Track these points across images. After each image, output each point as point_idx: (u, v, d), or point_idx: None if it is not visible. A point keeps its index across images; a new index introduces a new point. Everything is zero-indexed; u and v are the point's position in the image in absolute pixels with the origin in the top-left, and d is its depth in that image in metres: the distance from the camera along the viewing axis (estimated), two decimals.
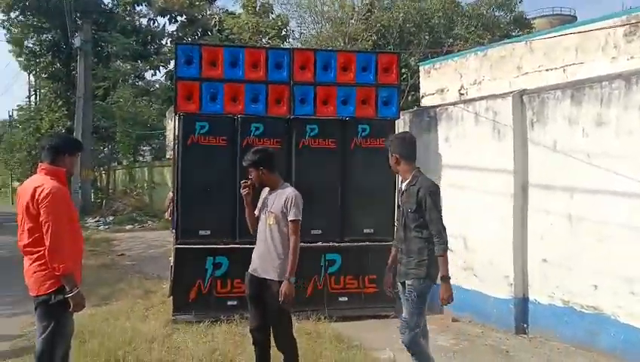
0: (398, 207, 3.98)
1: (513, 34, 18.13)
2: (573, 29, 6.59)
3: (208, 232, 5.77)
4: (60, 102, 24.42)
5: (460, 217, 5.97)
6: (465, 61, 8.17)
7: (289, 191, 3.83)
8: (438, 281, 3.63)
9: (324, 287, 5.87)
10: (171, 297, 5.71)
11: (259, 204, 3.96)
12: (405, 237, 3.74)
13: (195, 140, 5.79)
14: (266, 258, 3.80)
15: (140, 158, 22.82)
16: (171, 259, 5.79)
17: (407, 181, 3.74)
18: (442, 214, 3.62)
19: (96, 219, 17.25)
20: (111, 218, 17.52)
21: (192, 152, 5.80)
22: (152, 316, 5.70)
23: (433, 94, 8.66)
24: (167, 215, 8.53)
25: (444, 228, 3.60)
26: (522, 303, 5.32)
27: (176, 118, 5.95)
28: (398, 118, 6.37)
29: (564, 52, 6.47)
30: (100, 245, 11.50)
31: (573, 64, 6.37)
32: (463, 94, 8.15)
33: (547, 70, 6.73)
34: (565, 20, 35.66)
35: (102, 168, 22.75)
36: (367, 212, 6.07)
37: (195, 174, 5.80)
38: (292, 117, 6.00)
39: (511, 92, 5.72)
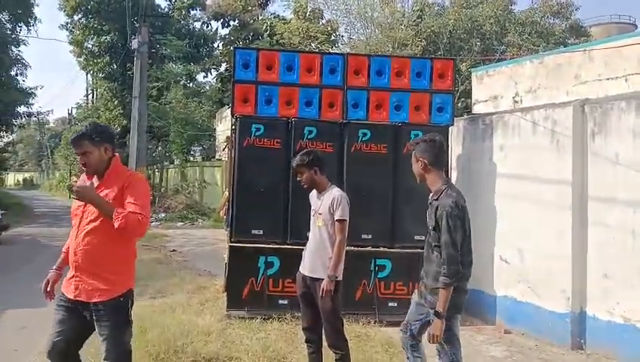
0: None
1: (569, 42, 17.62)
2: (637, 38, 6.38)
3: (261, 232, 5.89)
4: (116, 102, 25.57)
5: (515, 229, 5.88)
6: (520, 68, 8.03)
7: (335, 192, 3.91)
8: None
9: (373, 291, 5.88)
10: (225, 293, 5.89)
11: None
12: (426, 257, 3.36)
13: (251, 142, 5.94)
14: (316, 258, 3.89)
15: (191, 158, 23.43)
16: (225, 256, 5.97)
17: (432, 193, 3.31)
18: (458, 239, 3.13)
19: (150, 215, 17.78)
20: (163, 214, 18.06)
21: (248, 153, 5.95)
22: (206, 310, 5.88)
23: (486, 101, 8.55)
24: (222, 213, 8.78)
25: (455, 258, 3.11)
26: (580, 318, 5.15)
27: (233, 119, 6.13)
28: (452, 124, 6.30)
29: (626, 61, 6.27)
30: (153, 241, 11.89)
31: (636, 73, 6.17)
32: (517, 102, 7.99)
33: (608, 79, 6.54)
34: (624, 29, 34.27)
35: (155, 166, 23.50)
36: (419, 218, 5.98)
37: (250, 175, 5.94)
38: (345, 121, 6.05)
39: (571, 101, 5.58)
